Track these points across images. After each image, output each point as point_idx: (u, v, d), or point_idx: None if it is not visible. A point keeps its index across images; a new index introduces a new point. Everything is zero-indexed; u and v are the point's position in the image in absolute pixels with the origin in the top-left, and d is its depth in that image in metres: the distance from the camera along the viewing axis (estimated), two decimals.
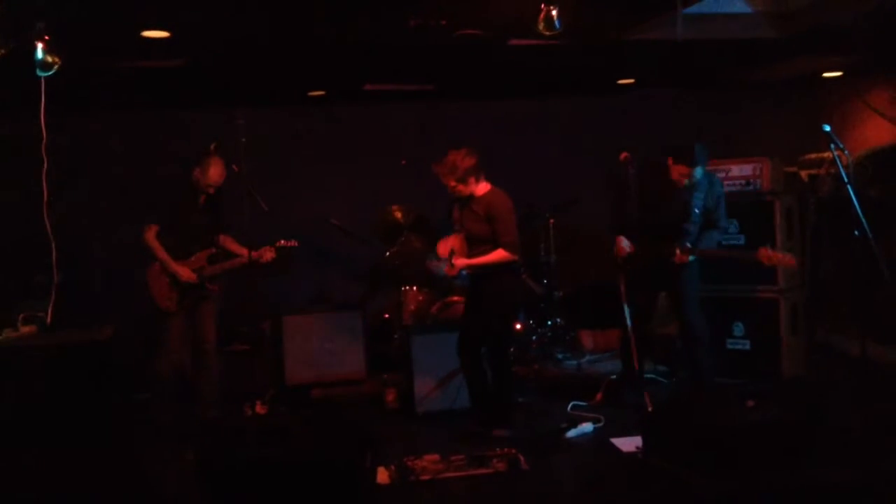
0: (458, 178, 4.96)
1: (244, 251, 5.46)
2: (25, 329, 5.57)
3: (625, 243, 5.32)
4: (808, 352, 6.24)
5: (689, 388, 5.99)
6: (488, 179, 5.12)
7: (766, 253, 5.02)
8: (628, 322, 5.28)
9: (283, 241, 5.49)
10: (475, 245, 5.06)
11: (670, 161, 5.24)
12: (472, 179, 4.99)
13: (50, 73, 4.15)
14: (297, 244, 5.54)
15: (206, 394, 5.51)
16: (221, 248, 5.59)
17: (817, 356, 6.27)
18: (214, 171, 5.38)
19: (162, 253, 5.35)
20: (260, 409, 5.78)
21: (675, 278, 5.37)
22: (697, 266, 5.40)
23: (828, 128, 4.62)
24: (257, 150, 5.97)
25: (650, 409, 5.11)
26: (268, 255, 5.46)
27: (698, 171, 5.17)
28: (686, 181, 5.19)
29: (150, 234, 5.36)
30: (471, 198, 5.07)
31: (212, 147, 5.74)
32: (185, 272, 5.37)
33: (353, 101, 7.51)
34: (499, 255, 4.95)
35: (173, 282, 5.36)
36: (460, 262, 5.07)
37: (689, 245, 5.23)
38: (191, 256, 5.43)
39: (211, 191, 5.43)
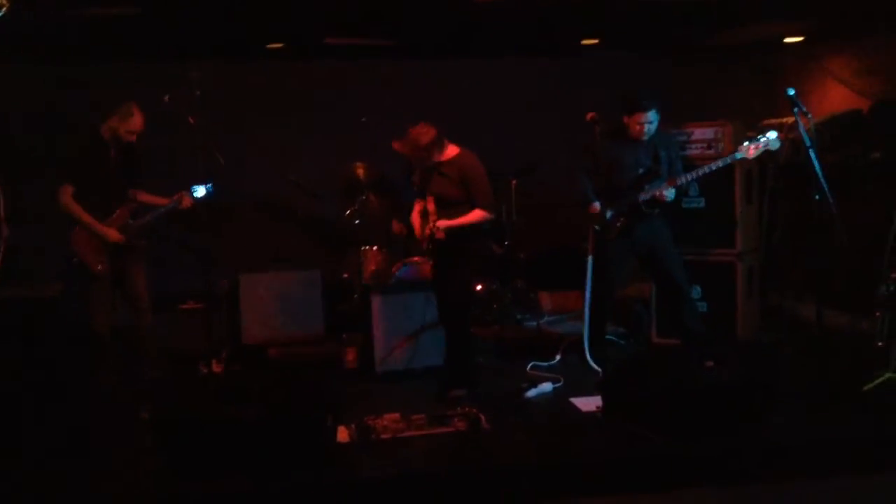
0: (422, 151, 4.97)
1: (162, 201, 5.35)
2: None
3: (597, 205, 5.35)
4: (762, 315, 6.34)
5: (648, 348, 6.09)
6: (452, 141, 5.09)
7: (749, 146, 5.08)
8: (588, 283, 5.31)
9: (195, 183, 5.34)
10: (446, 208, 5.05)
11: (625, 118, 5.24)
12: (435, 151, 4.99)
13: None
14: (210, 183, 5.38)
15: (146, 353, 5.39)
16: (138, 202, 5.38)
17: (771, 319, 6.38)
18: (138, 118, 5.15)
19: (84, 215, 5.11)
20: (216, 367, 5.70)
21: (656, 236, 5.42)
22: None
23: (792, 91, 4.64)
24: (213, 104, 5.83)
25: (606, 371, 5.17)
26: (186, 200, 5.33)
27: (653, 114, 5.18)
28: (646, 128, 5.20)
29: (67, 196, 5.10)
30: (439, 163, 5.05)
31: (166, 98, 5.57)
32: (112, 233, 5.17)
33: (313, 56, 7.36)
34: (478, 215, 5.00)
35: (102, 243, 5.17)
36: (444, 223, 5.02)
37: (671, 180, 5.24)
38: (112, 214, 5.22)
39: (132, 138, 5.18)
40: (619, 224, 5.37)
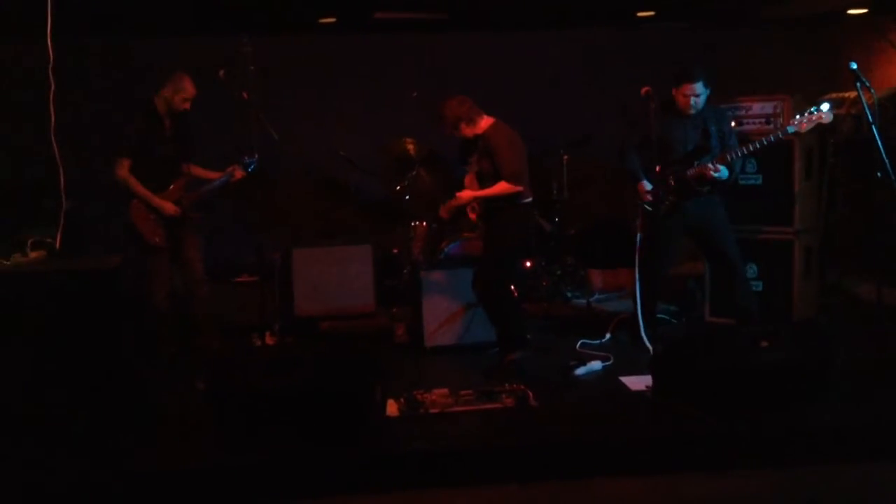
0: (449, 126, 4.99)
1: (214, 175, 5.43)
2: (34, 254, 5.53)
3: (648, 187, 5.25)
4: (820, 294, 6.20)
5: (701, 327, 6.01)
6: (498, 114, 5.07)
7: (801, 121, 4.91)
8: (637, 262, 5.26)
9: (246, 157, 5.39)
10: (485, 181, 5.09)
11: (673, 89, 5.14)
12: (462, 125, 4.98)
13: None
14: (257, 156, 5.42)
15: (203, 325, 5.51)
16: (192, 175, 5.47)
17: (828, 299, 6.24)
18: (188, 84, 5.22)
19: (141, 188, 5.22)
20: (269, 339, 5.79)
21: (708, 214, 5.31)
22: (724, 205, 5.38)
23: (855, 65, 4.50)
24: (266, 79, 5.88)
25: (656, 349, 5.12)
26: (238, 173, 5.38)
27: (700, 86, 5.04)
28: (692, 100, 5.08)
29: (124, 170, 5.21)
30: (476, 136, 5.07)
31: (220, 73, 5.62)
32: (168, 206, 5.27)
33: (364, 31, 7.35)
34: (501, 187, 4.94)
35: (158, 217, 5.28)
36: (464, 193, 5.16)
37: (721, 157, 5.12)
38: (168, 188, 5.32)
39: (187, 105, 5.26)
40: (667, 202, 5.26)
